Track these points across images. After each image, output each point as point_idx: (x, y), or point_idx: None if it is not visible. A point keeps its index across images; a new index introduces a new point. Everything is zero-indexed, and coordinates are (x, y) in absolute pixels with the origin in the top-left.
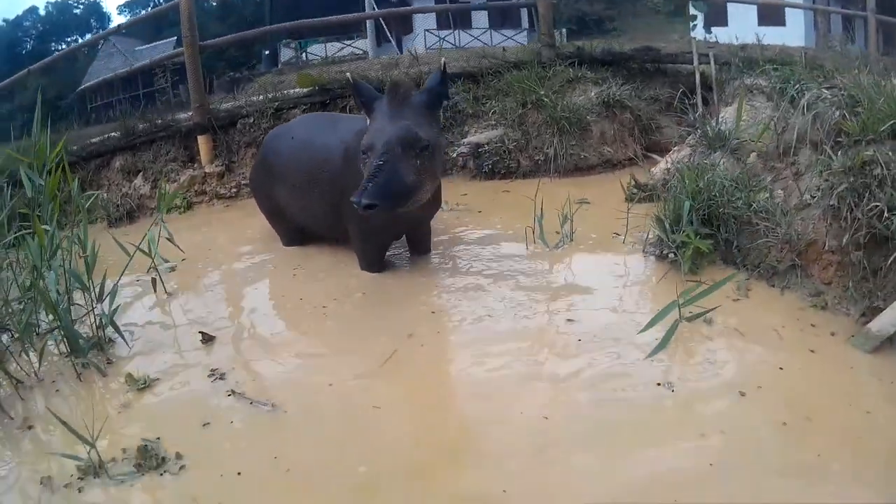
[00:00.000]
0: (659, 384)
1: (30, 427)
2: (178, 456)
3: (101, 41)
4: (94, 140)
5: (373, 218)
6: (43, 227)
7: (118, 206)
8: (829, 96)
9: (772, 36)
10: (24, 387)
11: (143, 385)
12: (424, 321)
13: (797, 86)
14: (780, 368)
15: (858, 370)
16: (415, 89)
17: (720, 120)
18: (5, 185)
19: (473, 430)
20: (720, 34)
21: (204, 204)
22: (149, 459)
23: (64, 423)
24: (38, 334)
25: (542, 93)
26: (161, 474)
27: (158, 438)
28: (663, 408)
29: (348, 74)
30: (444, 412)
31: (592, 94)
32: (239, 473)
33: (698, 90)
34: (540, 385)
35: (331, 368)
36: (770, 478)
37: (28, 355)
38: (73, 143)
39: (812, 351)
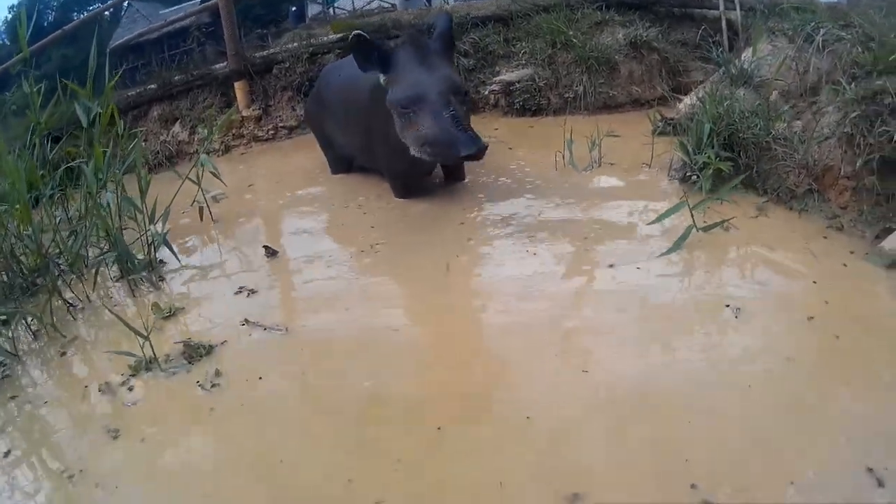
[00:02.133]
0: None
1: (78, 343)
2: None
3: (124, 8)
4: (130, 92)
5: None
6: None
7: (157, 153)
8: (845, 35)
9: None
10: (75, 310)
11: (169, 313)
12: (463, 248)
13: (815, 25)
14: (814, 282)
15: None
16: (429, 38)
17: (743, 59)
18: (46, 139)
19: (499, 340)
20: None
21: (241, 146)
22: (196, 351)
23: (121, 319)
24: (86, 265)
25: (571, 34)
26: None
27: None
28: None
29: (357, 31)
30: (483, 323)
31: (620, 35)
32: (260, 378)
33: (724, 33)
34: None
35: (364, 291)
36: None
37: (81, 281)
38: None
39: (845, 265)
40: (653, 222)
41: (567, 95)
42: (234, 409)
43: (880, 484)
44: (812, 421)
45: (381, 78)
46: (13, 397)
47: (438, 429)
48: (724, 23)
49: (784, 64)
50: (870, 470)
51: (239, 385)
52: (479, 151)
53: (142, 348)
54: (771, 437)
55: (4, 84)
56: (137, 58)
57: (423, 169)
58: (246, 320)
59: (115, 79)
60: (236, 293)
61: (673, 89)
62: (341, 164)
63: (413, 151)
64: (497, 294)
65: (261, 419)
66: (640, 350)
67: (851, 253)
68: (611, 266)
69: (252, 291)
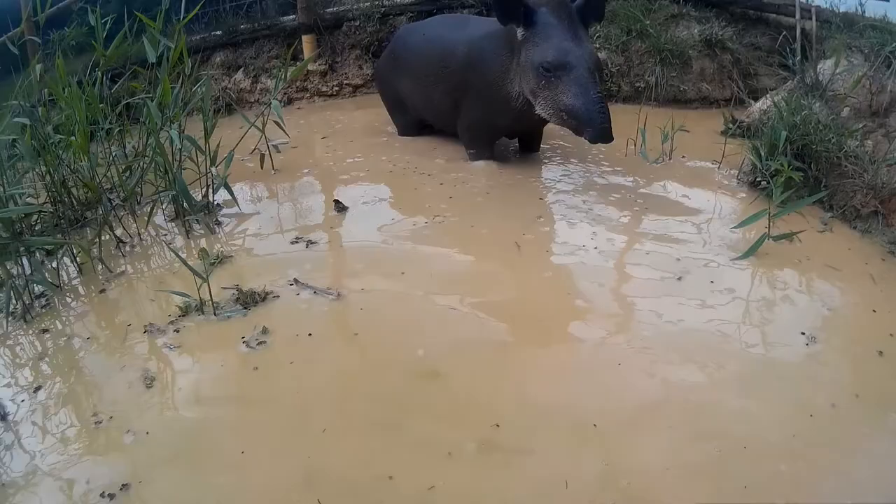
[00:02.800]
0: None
1: (125, 280)
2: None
3: None
4: (195, 37)
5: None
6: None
7: (217, 98)
8: None
9: (876, 8)
10: (124, 246)
11: (216, 261)
12: (531, 226)
13: (894, 47)
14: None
15: None
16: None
17: (818, 70)
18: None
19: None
20: None
21: (304, 100)
22: (251, 298)
23: (180, 257)
24: (139, 203)
25: (647, 23)
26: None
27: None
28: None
29: None
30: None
31: (695, 30)
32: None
33: (798, 41)
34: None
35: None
36: None
37: (134, 218)
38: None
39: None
40: (736, 227)
41: (638, 84)
42: (278, 366)
43: None
44: None
45: (520, 33)
46: (47, 331)
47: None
48: (798, 31)
49: (859, 82)
50: None
51: (286, 343)
52: (595, 139)
53: (198, 289)
54: None
55: (64, 20)
56: (202, 2)
57: (514, 128)
58: (296, 280)
59: (191, 15)
60: (293, 243)
61: (743, 92)
62: (411, 126)
63: (542, 111)
64: (560, 280)
65: (305, 379)
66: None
67: None
68: (678, 260)
69: (311, 242)
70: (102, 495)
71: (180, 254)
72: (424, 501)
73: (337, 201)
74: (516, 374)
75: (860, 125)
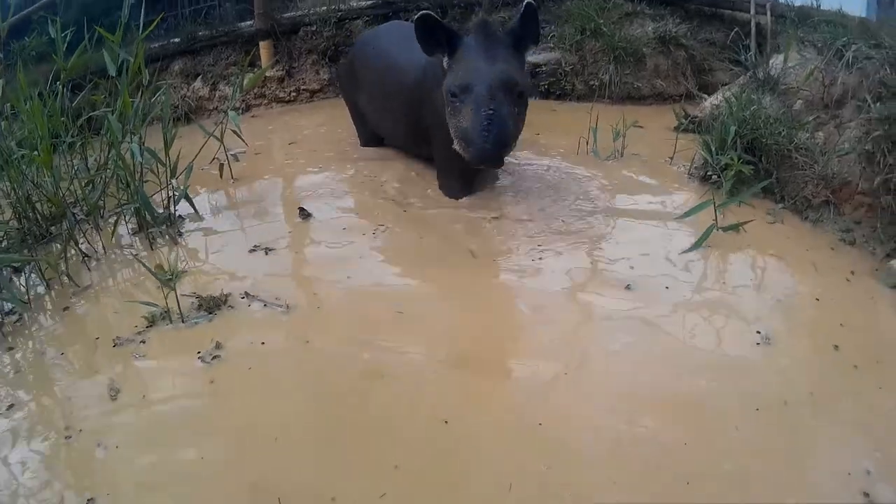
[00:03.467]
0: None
1: (92, 293)
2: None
3: None
4: (153, 45)
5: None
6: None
7: (176, 107)
8: (874, 54)
9: (832, 2)
10: (89, 260)
11: (170, 277)
12: (481, 231)
13: (846, 41)
14: (816, 299)
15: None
16: (502, 29)
17: (770, 66)
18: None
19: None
20: None
21: (262, 106)
22: (214, 303)
23: (148, 268)
24: (102, 217)
25: (601, 22)
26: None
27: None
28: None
29: (425, 11)
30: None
31: (650, 28)
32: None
33: (753, 37)
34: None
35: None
36: None
37: (98, 232)
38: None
39: (849, 277)
40: (680, 217)
41: (592, 83)
42: (234, 376)
43: None
44: None
45: (444, 62)
46: (15, 349)
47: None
48: (753, 27)
49: (811, 75)
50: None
51: (240, 353)
52: (473, 161)
53: (165, 298)
54: None
55: (23, 30)
56: (161, 9)
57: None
58: (246, 293)
59: (150, 28)
60: (251, 251)
61: (697, 87)
62: (372, 137)
63: (458, 148)
64: (508, 283)
65: (264, 386)
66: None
67: (852, 273)
68: (627, 257)
69: (269, 249)
70: None
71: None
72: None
73: (302, 209)
74: (459, 374)
75: (811, 118)
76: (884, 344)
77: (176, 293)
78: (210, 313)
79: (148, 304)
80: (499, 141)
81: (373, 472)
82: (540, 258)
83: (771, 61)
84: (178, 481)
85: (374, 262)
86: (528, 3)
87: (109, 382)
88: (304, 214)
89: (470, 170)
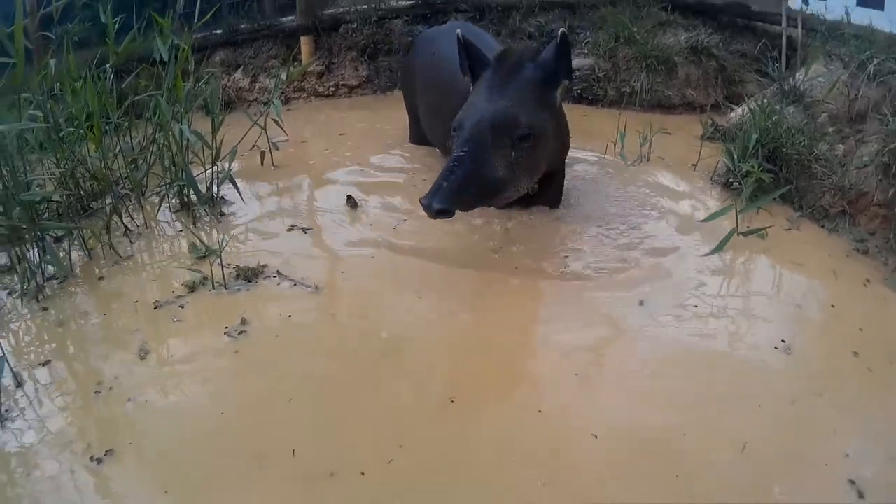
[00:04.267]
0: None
1: (133, 264)
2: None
3: None
4: (196, 35)
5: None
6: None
7: (212, 102)
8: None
9: (865, 17)
10: (132, 234)
11: (214, 251)
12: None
13: (870, 54)
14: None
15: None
16: (530, 60)
17: (797, 78)
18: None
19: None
20: (817, 6)
21: (301, 100)
22: (252, 273)
23: (193, 232)
24: (144, 195)
25: (635, 30)
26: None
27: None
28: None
29: (459, 32)
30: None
31: (682, 38)
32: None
33: (782, 49)
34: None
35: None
36: None
37: (141, 209)
38: None
39: (866, 282)
40: (704, 220)
41: (624, 90)
42: (263, 341)
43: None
44: None
45: (470, 88)
46: (56, 309)
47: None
48: (784, 39)
49: (836, 88)
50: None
51: (268, 328)
52: (426, 210)
53: (211, 265)
54: None
55: (66, 16)
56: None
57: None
58: (278, 272)
59: (207, 17)
60: (289, 230)
61: (727, 98)
62: (423, 136)
63: None
64: (528, 275)
65: (283, 354)
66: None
67: (868, 280)
68: (648, 253)
69: (306, 229)
70: (91, 459)
71: (188, 240)
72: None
73: (350, 196)
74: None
75: (830, 129)
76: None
77: (221, 260)
78: (248, 282)
79: (192, 269)
80: (461, 187)
81: (379, 444)
82: (565, 256)
83: (797, 74)
84: (196, 438)
85: (409, 250)
86: (563, 33)
87: (141, 343)
88: (352, 203)
89: None
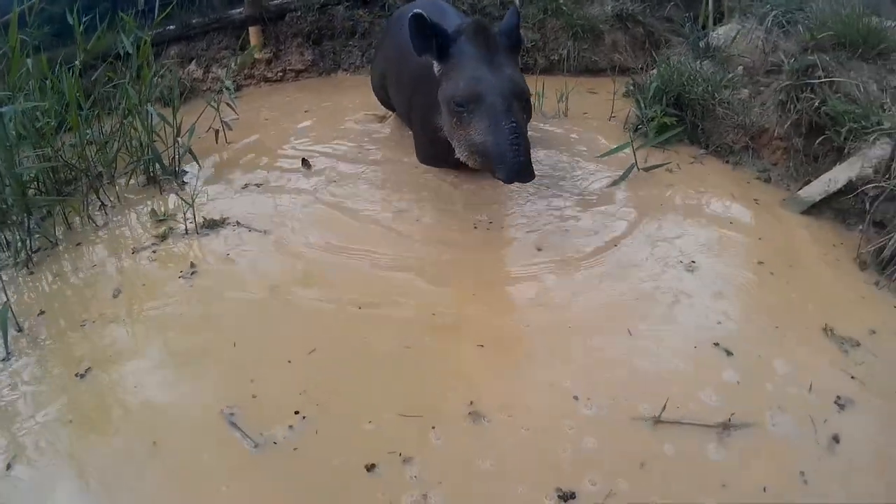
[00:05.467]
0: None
1: (108, 230)
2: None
3: None
4: (151, 32)
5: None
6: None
7: (171, 89)
8: (799, 18)
9: None
10: (106, 208)
11: (163, 218)
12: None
13: (784, 10)
14: (731, 223)
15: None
16: (497, 31)
17: (712, 36)
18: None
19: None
20: None
21: (252, 86)
22: (215, 223)
23: (170, 182)
24: (114, 176)
25: (562, 2)
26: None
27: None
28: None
29: (417, 12)
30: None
31: (608, 7)
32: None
33: (703, 12)
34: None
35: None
36: None
37: (113, 186)
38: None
39: (756, 201)
40: (600, 156)
41: (553, 58)
42: (214, 276)
43: None
44: None
45: (436, 67)
46: (44, 271)
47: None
48: (710, 3)
49: (752, 43)
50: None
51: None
52: (525, 181)
53: (184, 214)
54: None
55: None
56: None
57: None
58: (237, 222)
59: (166, 12)
60: (243, 187)
61: (654, 61)
62: (387, 102)
63: (459, 154)
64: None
65: (239, 286)
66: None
67: (759, 202)
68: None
69: (258, 185)
70: (76, 374)
71: (156, 204)
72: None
73: (304, 160)
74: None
75: (730, 75)
76: (794, 254)
77: (194, 210)
78: (212, 229)
79: (160, 220)
80: (527, 154)
81: (301, 341)
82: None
83: (713, 32)
84: (156, 346)
85: (357, 192)
86: (515, 10)
87: (117, 286)
88: (307, 165)
89: (444, 150)
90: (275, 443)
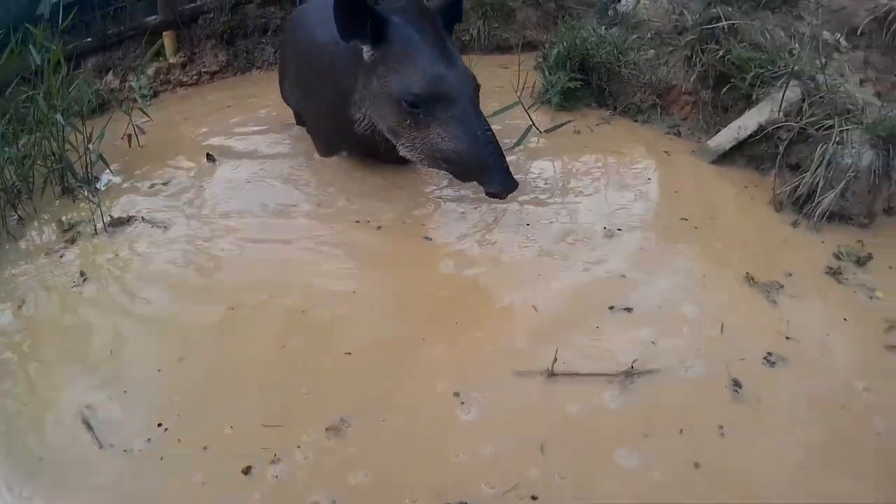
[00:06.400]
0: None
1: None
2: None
3: None
4: (68, 47)
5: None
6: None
7: (90, 101)
8: None
9: None
10: (24, 221)
11: (69, 227)
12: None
13: None
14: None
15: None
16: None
17: (620, 4)
18: None
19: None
20: None
21: (168, 92)
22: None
23: (83, 187)
24: (31, 190)
25: None
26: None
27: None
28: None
29: None
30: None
31: None
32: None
33: None
34: None
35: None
36: None
37: (31, 198)
38: None
39: (667, 153)
40: (490, 116)
41: (463, 38)
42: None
43: None
44: None
45: (367, 53)
46: None
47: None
48: None
49: (661, 8)
50: None
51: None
52: (514, 189)
53: (92, 214)
54: None
55: None
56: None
57: (362, 152)
58: (142, 218)
59: (69, 20)
60: (150, 187)
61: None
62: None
63: (408, 154)
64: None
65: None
66: None
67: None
68: None
69: (163, 184)
70: None
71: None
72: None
73: (209, 154)
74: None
75: (634, 36)
76: (712, 205)
77: (101, 210)
78: (115, 228)
79: (67, 228)
80: (507, 167)
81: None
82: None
83: (622, 1)
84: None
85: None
86: None
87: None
88: (211, 159)
89: (339, 139)
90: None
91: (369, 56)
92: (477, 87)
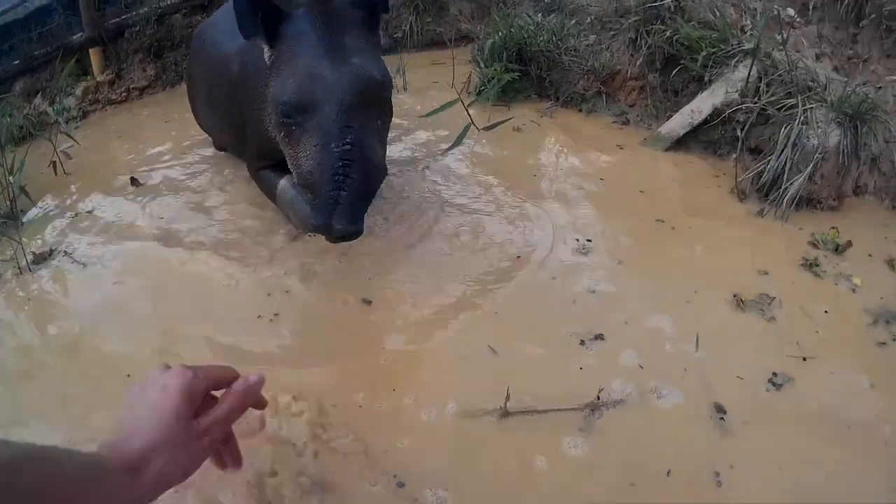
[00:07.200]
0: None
1: None
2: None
3: None
4: None
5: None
6: None
7: (21, 126)
8: None
9: None
10: None
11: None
12: None
13: None
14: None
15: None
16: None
17: None
18: None
19: None
20: None
21: (98, 111)
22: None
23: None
24: None
25: None
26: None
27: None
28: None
29: None
30: None
31: None
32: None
33: None
34: None
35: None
36: None
37: None
38: None
39: (620, 147)
40: (424, 115)
41: (396, 35)
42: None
43: None
44: None
45: (266, 52)
46: None
47: None
48: None
49: None
50: None
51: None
52: (345, 236)
53: (14, 252)
54: None
55: None
56: (5, 40)
57: None
58: (64, 252)
59: None
60: (73, 216)
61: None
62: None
63: (295, 179)
64: None
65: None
66: None
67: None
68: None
69: (88, 213)
70: None
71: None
72: None
73: (133, 178)
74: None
75: (572, 22)
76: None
77: (23, 249)
78: (38, 264)
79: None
80: (360, 197)
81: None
82: None
83: None
84: None
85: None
86: None
87: None
88: (136, 183)
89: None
90: None
91: (268, 57)
92: (364, 90)
